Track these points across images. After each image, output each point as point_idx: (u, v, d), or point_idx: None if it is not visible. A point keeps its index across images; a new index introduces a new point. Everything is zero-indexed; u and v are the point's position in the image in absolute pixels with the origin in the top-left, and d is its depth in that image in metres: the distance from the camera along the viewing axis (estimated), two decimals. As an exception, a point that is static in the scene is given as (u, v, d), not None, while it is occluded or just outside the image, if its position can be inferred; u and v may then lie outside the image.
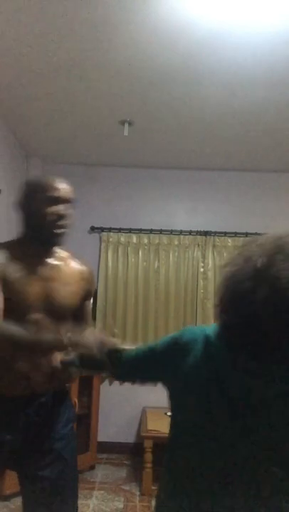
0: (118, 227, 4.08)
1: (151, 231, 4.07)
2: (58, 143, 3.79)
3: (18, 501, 2.81)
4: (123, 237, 4.07)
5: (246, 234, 4.06)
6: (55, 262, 1.52)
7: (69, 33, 2.28)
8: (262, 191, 4.19)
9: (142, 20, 2.15)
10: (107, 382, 3.97)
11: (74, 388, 3.26)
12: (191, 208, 4.19)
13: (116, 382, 4.01)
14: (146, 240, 4.07)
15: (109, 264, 4.04)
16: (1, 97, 2.99)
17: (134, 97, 2.91)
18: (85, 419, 3.47)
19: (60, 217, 1.43)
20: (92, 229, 4.11)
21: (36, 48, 2.42)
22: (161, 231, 4.07)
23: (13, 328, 1.32)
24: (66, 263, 1.55)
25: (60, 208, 1.44)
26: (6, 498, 2.80)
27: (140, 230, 4.06)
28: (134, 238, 4.07)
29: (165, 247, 4.08)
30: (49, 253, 1.51)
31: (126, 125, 3.26)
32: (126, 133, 3.27)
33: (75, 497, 1.53)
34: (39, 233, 1.46)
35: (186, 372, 0.95)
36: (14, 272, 1.40)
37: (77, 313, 1.59)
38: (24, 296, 1.40)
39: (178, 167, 4.17)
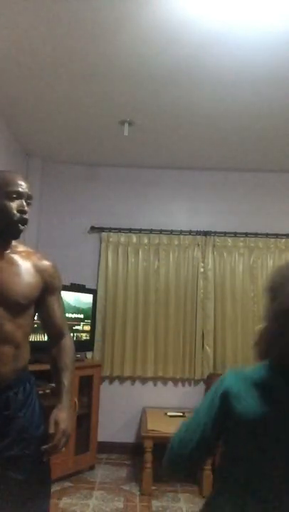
0: (118, 227, 4.08)
1: (151, 231, 4.07)
2: (58, 143, 3.79)
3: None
4: (123, 237, 4.07)
5: (246, 234, 4.06)
6: (11, 255, 1.51)
7: (69, 34, 2.28)
8: (262, 191, 4.19)
9: (142, 21, 2.15)
10: (107, 382, 3.97)
11: (74, 388, 3.26)
12: (191, 208, 4.19)
13: (116, 382, 4.01)
14: (146, 240, 4.07)
15: (109, 264, 4.04)
16: (1, 97, 2.99)
17: (134, 97, 2.91)
18: (85, 419, 3.47)
19: (23, 212, 1.45)
20: (92, 229, 4.11)
21: (36, 48, 2.42)
22: (161, 231, 4.07)
23: None
24: (23, 256, 1.54)
25: (22, 204, 1.45)
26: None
27: (140, 230, 4.06)
28: (134, 238, 4.07)
29: (165, 247, 4.08)
30: (6, 246, 1.51)
31: (126, 125, 3.26)
32: (126, 133, 3.28)
33: (46, 497, 1.52)
34: (3, 229, 1.46)
35: (245, 413, 0.98)
36: None
37: (41, 309, 1.59)
38: None
39: (178, 167, 4.17)
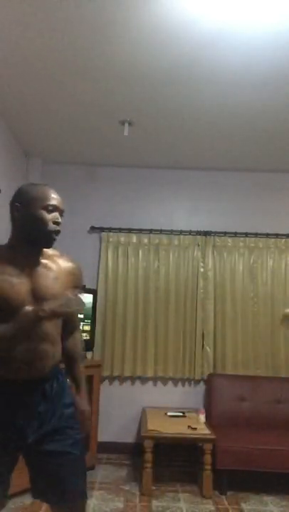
0: (118, 227, 4.08)
1: (151, 231, 4.07)
2: (58, 143, 3.79)
3: (18, 501, 2.81)
4: (123, 237, 4.07)
5: (246, 234, 4.06)
6: (44, 260, 1.64)
7: (69, 33, 2.28)
8: (262, 191, 4.19)
9: (142, 20, 2.15)
10: (107, 382, 3.97)
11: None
12: (191, 208, 4.19)
13: (116, 382, 4.01)
14: (146, 240, 4.07)
15: (109, 264, 4.04)
16: (1, 97, 2.99)
17: (134, 97, 2.92)
18: (85, 419, 3.47)
19: (58, 223, 1.58)
20: (92, 229, 4.11)
21: (36, 48, 2.42)
22: (161, 231, 4.07)
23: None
24: (54, 260, 1.68)
25: (58, 216, 1.59)
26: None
27: (140, 230, 4.06)
28: (134, 238, 4.07)
29: (165, 247, 4.08)
30: (39, 253, 1.64)
31: (126, 125, 3.26)
32: (126, 133, 3.28)
33: (85, 468, 1.70)
34: (37, 238, 1.58)
35: None
36: (4, 274, 1.52)
37: None
38: (15, 294, 1.51)
39: (178, 167, 4.17)
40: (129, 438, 3.94)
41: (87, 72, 2.65)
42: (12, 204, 1.62)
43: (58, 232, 1.60)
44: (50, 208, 1.57)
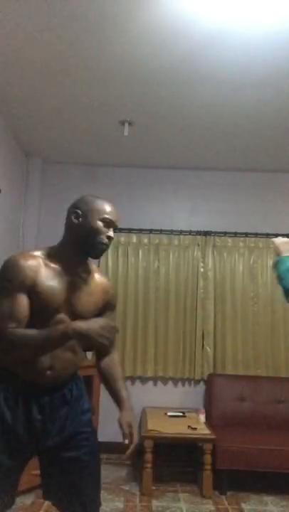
0: (118, 227, 4.06)
1: (151, 231, 4.07)
2: (58, 143, 3.79)
3: (18, 501, 2.81)
4: (123, 237, 4.07)
5: (246, 234, 4.06)
6: (84, 274, 1.67)
7: (69, 34, 2.28)
8: (262, 191, 4.19)
9: (143, 20, 2.15)
10: (107, 382, 3.97)
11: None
12: (191, 207, 4.19)
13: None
14: (146, 240, 4.07)
15: (109, 264, 4.04)
16: (1, 97, 3.00)
17: (134, 97, 2.92)
18: (85, 419, 3.47)
19: (110, 239, 1.63)
20: (92, 229, 4.10)
21: (36, 48, 2.42)
22: (161, 231, 4.07)
23: (29, 332, 1.47)
24: (93, 275, 1.72)
25: (112, 231, 1.64)
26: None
27: (140, 230, 4.06)
28: (134, 238, 4.07)
29: (165, 247, 4.08)
30: (82, 265, 1.68)
31: (126, 125, 3.26)
32: (126, 133, 3.28)
33: (100, 476, 1.72)
34: (88, 246, 1.62)
35: None
36: (45, 278, 1.54)
37: None
38: (52, 300, 1.54)
39: (178, 167, 4.17)
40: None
41: (87, 72, 2.65)
42: (71, 209, 1.67)
43: (107, 246, 1.65)
44: (107, 221, 1.62)
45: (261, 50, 2.36)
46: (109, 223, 1.63)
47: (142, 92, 2.84)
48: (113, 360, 1.87)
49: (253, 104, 2.95)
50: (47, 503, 2.82)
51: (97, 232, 1.60)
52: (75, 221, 1.63)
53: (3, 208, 3.44)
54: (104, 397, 3.80)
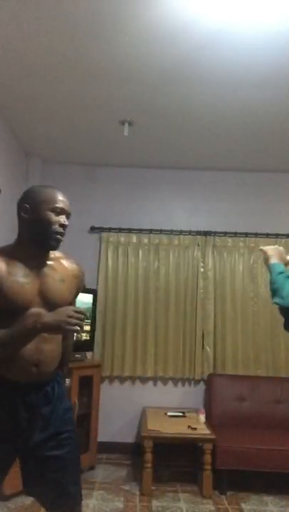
0: (118, 227, 4.07)
1: (151, 231, 4.07)
2: (58, 143, 3.79)
3: (18, 501, 2.81)
4: (123, 237, 4.07)
5: (246, 234, 4.06)
6: (50, 262, 1.66)
7: (69, 33, 2.28)
8: (262, 191, 4.19)
9: (142, 20, 2.15)
10: (107, 382, 3.97)
11: (74, 388, 3.26)
12: (191, 207, 4.19)
13: (116, 382, 4.01)
14: (146, 240, 4.07)
15: (109, 264, 4.04)
16: (1, 97, 3.00)
17: (134, 97, 2.91)
18: (85, 419, 3.47)
19: (64, 226, 1.60)
20: (92, 229, 4.11)
21: (36, 48, 2.42)
22: (161, 231, 4.07)
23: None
24: (60, 262, 1.70)
25: (64, 219, 1.61)
26: (6, 498, 2.80)
27: (140, 230, 4.06)
28: (134, 238, 4.07)
29: (165, 247, 4.08)
30: (46, 254, 1.66)
31: (126, 125, 3.26)
32: (126, 133, 3.28)
33: (80, 473, 1.73)
34: (43, 239, 1.59)
35: None
36: (10, 275, 1.53)
37: None
38: (23, 295, 1.53)
39: (178, 167, 4.17)
40: (129, 438, 3.94)
41: (87, 72, 2.65)
42: (20, 205, 1.64)
43: (62, 234, 1.61)
44: (58, 210, 1.59)
45: (261, 50, 2.36)
46: (60, 212, 1.60)
47: (142, 92, 2.84)
48: (68, 343, 1.84)
49: (253, 104, 2.95)
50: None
51: (48, 222, 1.57)
52: (25, 216, 1.61)
53: (3, 208, 3.44)
54: (104, 397, 3.82)
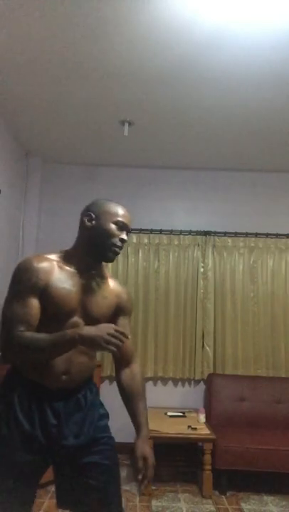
0: (130, 231, 4.06)
1: (151, 231, 4.07)
2: (58, 143, 3.79)
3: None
4: (123, 237, 4.06)
5: (246, 234, 4.06)
6: (98, 277, 1.67)
7: (69, 34, 2.28)
8: (262, 191, 4.19)
9: (142, 20, 2.15)
10: (107, 382, 3.97)
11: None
12: (191, 207, 4.19)
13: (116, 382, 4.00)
14: (146, 240, 4.07)
15: (109, 264, 4.03)
16: (1, 97, 2.99)
17: (134, 97, 2.91)
18: (85, 419, 3.47)
19: (123, 241, 1.63)
20: (92, 229, 4.10)
21: (36, 48, 2.42)
22: (161, 231, 4.07)
23: (37, 336, 1.44)
24: (107, 280, 1.71)
25: (125, 235, 1.64)
26: None
27: (140, 230, 4.06)
28: (134, 238, 4.07)
29: (165, 247, 4.08)
30: (97, 268, 1.67)
31: (126, 125, 3.26)
32: (126, 133, 3.28)
33: (120, 483, 1.74)
34: (101, 249, 1.61)
35: None
36: (59, 281, 1.53)
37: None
38: (68, 302, 1.53)
39: (178, 167, 4.17)
40: (129, 438, 3.92)
41: (87, 72, 2.65)
42: (85, 212, 1.65)
43: (120, 249, 1.64)
44: (120, 224, 1.63)
45: (261, 50, 2.36)
46: (122, 226, 1.64)
47: (142, 92, 2.84)
48: (133, 374, 1.81)
49: (253, 104, 2.95)
50: (47, 503, 2.82)
51: (110, 234, 1.60)
52: (88, 224, 1.62)
53: (3, 208, 3.44)
54: (104, 397, 3.81)
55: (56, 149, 3.93)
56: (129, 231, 1.67)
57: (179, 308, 3.99)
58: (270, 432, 3.39)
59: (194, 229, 4.08)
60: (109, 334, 1.35)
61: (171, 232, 4.07)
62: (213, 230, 4.08)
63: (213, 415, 3.59)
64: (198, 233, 4.08)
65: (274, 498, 3.10)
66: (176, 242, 4.07)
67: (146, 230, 4.06)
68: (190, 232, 4.08)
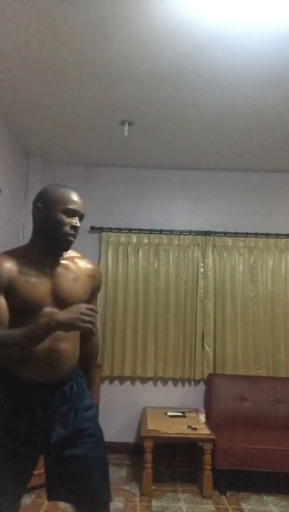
0: (118, 227, 4.07)
1: (151, 231, 4.07)
2: (58, 143, 3.79)
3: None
4: (123, 237, 4.07)
5: (246, 234, 4.06)
6: (64, 261, 1.66)
7: (69, 33, 2.28)
8: (262, 191, 4.19)
9: (142, 20, 2.15)
10: (107, 382, 3.97)
11: None
12: (191, 207, 4.19)
13: (116, 382, 4.01)
14: (146, 240, 4.07)
15: (109, 264, 4.03)
16: (1, 98, 2.99)
17: (134, 97, 2.91)
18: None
19: (76, 228, 1.60)
20: (92, 229, 4.11)
21: (36, 48, 2.42)
22: (161, 231, 4.07)
23: (12, 332, 1.44)
24: (74, 261, 1.69)
25: (76, 220, 1.61)
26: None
27: (140, 230, 4.06)
28: (134, 238, 4.07)
29: (165, 247, 4.08)
30: (59, 254, 1.66)
31: (126, 125, 3.26)
32: (126, 133, 3.28)
33: (108, 471, 1.72)
34: (54, 239, 1.59)
35: None
36: (23, 275, 1.52)
37: None
38: (35, 295, 1.53)
39: (178, 167, 4.17)
40: (129, 438, 3.94)
41: (87, 72, 2.65)
42: (34, 204, 1.65)
43: (74, 236, 1.61)
44: (70, 211, 1.60)
45: (262, 50, 2.36)
46: (72, 213, 1.60)
47: (142, 92, 2.84)
48: (93, 343, 1.88)
49: (253, 104, 2.95)
50: (47, 503, 2.82)
51: (60, 224, 1.58)
52: (38, 215, 1.62)
53: (3, 208, 3.44)
54: (104, 397, 3.82)
55: (56, 149, 3.93)
56: (81, 216, 1.64)
57: (179, 309, 3.99)
58: (270, 432, 3.39)
59: (194, 229, 4.08)
60: (82, 314, 1.38)
61: (171, 232, 4.07)
62: (213, 230, 4.08)
63: (213, 415, 3.59)
64: (198, 233, 4.08)
65: (274, 498, 3.10)
66: (176, 242, 4.07)
67: (146, 230, 4.06)
68: (190, 232, 4.07)
